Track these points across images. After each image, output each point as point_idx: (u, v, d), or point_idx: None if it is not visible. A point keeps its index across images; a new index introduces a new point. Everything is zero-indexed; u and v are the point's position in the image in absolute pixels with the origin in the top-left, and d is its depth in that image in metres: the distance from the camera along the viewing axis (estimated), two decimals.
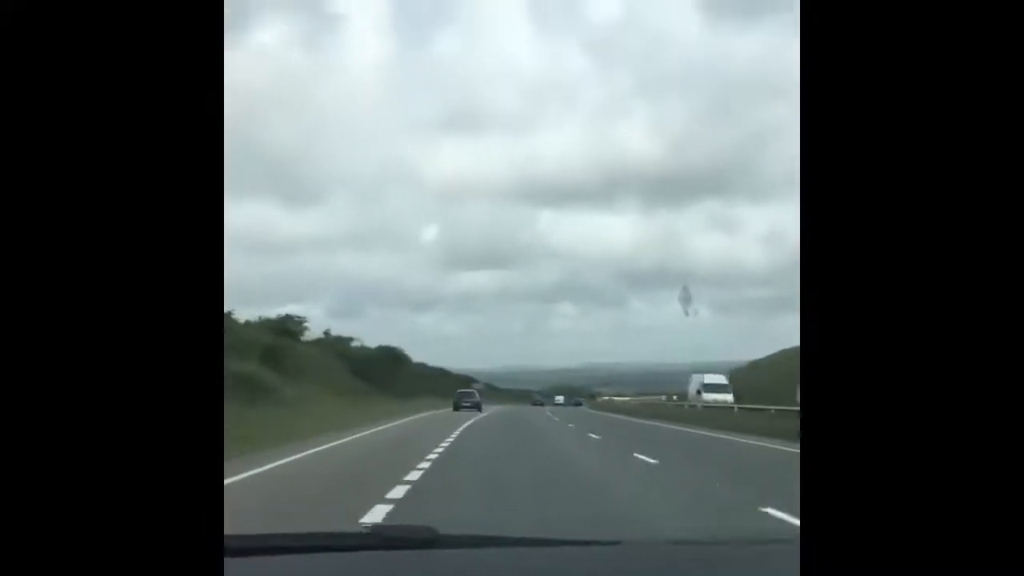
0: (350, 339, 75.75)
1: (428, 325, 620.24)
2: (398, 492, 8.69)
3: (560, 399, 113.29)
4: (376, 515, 7.20)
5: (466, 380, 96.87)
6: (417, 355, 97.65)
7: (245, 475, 10.22)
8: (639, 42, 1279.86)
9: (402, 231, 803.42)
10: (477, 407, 47.05)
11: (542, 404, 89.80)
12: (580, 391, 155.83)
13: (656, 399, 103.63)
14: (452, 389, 70.41)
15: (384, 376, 66.98)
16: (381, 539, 1.68)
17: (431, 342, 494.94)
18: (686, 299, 35.84)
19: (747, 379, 52.93)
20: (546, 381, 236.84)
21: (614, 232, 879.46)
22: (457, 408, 46.70)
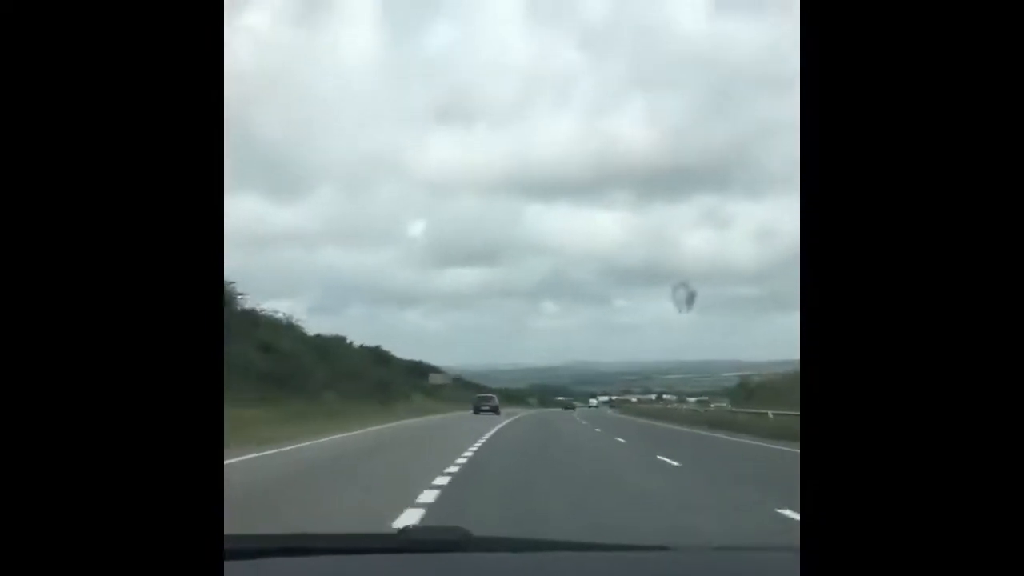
0: None
1: (411, 322, 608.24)
2: None
3: (594, 402, 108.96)
4: None
5: (429, 369, 74.73)
6: (398, 352, 68.73)
7: None
8: (634, 34, 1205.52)
9: (388, 225, 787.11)
10: (495, 410, 47.39)
11: (573, 408, 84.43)
12: (563, 390, 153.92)
13: (646, 399, 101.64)
14: (398, 384, 50.92)
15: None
16: (406, 541, 1.57)
17: (413, 339, 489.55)
18: (688, 297, 30.29)
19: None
20: (528, 379, 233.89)
21: (603, 228, 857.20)
22: (477, 412, 46.47)
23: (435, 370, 77.16)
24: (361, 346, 55.88)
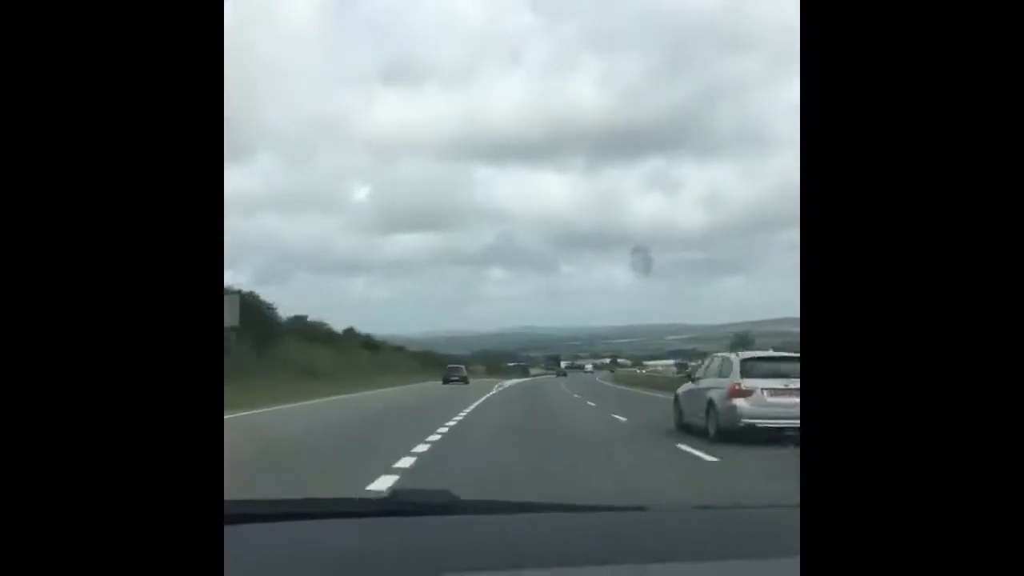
0: None
1: (354, 291, 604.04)
2: None
3: (589, 367, 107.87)
4: None
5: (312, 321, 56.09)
6: (342, 323, 57.41)
7: None
8: None
9: (333, 191, 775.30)
10: (464, 380, 50.03)
11: (565, 374, 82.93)
12: (509, 356, 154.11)
13: (601, 363, 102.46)
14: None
15: None
16: (395, 504, 1.64)
17: (353, 308, 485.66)
18: (647, 263, 30.20)
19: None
20: (473, 346, 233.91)
21: (552, 192, 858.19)
22: (446, 382, 47.58)
23: (307, 317, 49.35)
24: None
